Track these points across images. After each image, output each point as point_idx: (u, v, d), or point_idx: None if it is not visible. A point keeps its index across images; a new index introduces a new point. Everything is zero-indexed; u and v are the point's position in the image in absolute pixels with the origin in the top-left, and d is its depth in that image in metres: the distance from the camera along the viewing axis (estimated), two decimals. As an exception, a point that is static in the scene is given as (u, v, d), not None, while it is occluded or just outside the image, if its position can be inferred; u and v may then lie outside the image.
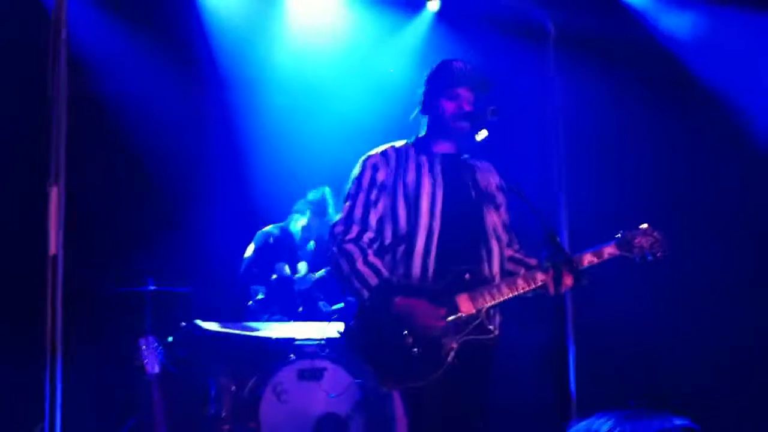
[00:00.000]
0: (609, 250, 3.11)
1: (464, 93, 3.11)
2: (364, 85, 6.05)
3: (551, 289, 3.01)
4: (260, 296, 4.99)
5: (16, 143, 4.82)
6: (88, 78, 5.34)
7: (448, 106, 3.11)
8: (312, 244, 5.28)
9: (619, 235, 3.15)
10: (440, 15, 5.98)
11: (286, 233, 5.21)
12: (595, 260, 3.09)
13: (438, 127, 3.16)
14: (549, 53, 5.65)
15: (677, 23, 5.84)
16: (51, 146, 2.86)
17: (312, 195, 5.25)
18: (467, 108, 3.10)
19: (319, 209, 5.19)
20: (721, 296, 5.41)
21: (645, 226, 3.17)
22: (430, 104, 3.17)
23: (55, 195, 2.81)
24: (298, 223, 5.25)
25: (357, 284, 2.98)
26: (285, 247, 5.15)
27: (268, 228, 5.21)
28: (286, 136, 5.95)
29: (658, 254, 3.15)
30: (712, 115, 5.62)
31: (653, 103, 5.78)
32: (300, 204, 5.28)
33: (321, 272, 5.08)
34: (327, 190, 5.25)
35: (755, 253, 5.44)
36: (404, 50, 6.07)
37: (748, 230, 5.45)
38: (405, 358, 2.90)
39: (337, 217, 3.14)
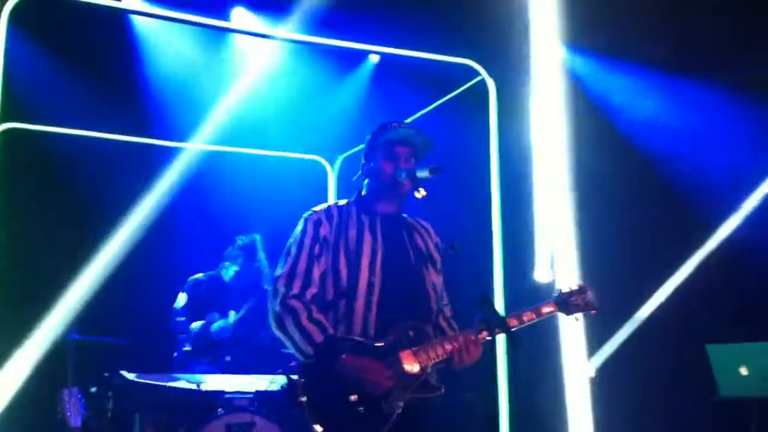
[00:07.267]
0: (547, 309, 3.16)
1: (402, 152, 3.13)
2: (304, 135, 6.04)
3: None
4: (187, 348, 4.85)
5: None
6: (21, 115, 5.22)
7: (387, 167, 3.12)
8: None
9: (556, 293, 3.22)
10: (381, 68, 6.02)
11: (217, 281, 5.09)
12: (534, 317, 3.13)
13: (379, 188, 3.16)
14: (489, 110, 5.75)
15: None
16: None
17: (241, 240, 5.17)
18: (405, 166, 3.11)
19: (248, 253, 5.10)
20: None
21: (580, 284, 3.24)
22: (370, 165, 3.19)
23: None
24: (230, 270, 5.12)
25: (302, 341, 2.92)
26: (216, 296, 5.03)
27: (198, 276, 5.09)
28: (220, 186, 5.88)
29: (592, 311, 3.23)
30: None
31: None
32: (230, 251, 5.17)
33: (239, 314, 4.95)
34: (257, 236, 5.18)
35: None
36: (345, 101, 6.09)
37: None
38: (349, 416, 2.84)
39: (279, 272, 3.07)
